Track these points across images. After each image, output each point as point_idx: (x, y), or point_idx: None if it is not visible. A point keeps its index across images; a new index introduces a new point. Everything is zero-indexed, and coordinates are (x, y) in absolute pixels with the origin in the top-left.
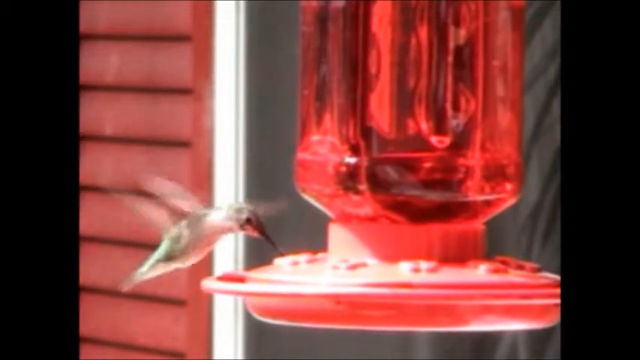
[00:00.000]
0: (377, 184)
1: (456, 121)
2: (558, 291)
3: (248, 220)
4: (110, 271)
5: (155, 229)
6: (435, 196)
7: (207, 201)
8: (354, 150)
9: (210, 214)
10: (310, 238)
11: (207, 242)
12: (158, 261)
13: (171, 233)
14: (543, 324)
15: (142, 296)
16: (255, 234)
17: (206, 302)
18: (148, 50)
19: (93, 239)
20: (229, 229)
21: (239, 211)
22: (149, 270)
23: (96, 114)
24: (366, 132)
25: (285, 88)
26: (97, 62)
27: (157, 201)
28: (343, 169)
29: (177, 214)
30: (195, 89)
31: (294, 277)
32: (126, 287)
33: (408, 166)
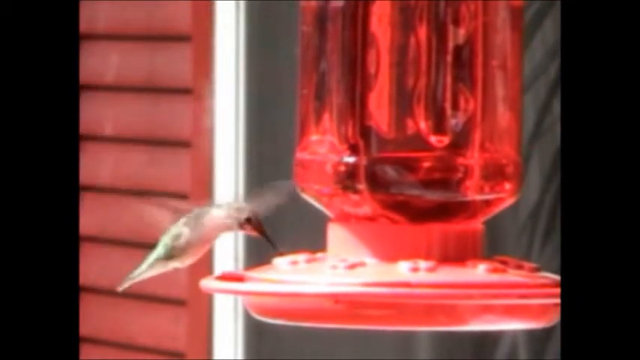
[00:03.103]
0: (376, 183)
1: (455, 121)
2: (558, 291)
3: (248, 220)
4: (110, 271)
5: (158, 230)
6: (434, 196)
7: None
8: (353, 149)
9: (210, 212)
10: (309, 237)
11: (207, 240)
12: (157, 260)
13: (171, 231)
14: (543, 324)
15: (142, 296)
16: (255, 233)
17: (206, 302)
18: (148, 50)
19: (93, 239)
20: (229, 228)
21: (239, 210)
22: (148, 269)
23: (96, 114)
24: (365, 131)
25: (285, 88)
26: (97, 62)
27: (158, 202)
28: (342, 168)
29: (179, 213)
30: (195, 89)
31: (293, 276)
32: (123, 287)
33: (407, 166)
